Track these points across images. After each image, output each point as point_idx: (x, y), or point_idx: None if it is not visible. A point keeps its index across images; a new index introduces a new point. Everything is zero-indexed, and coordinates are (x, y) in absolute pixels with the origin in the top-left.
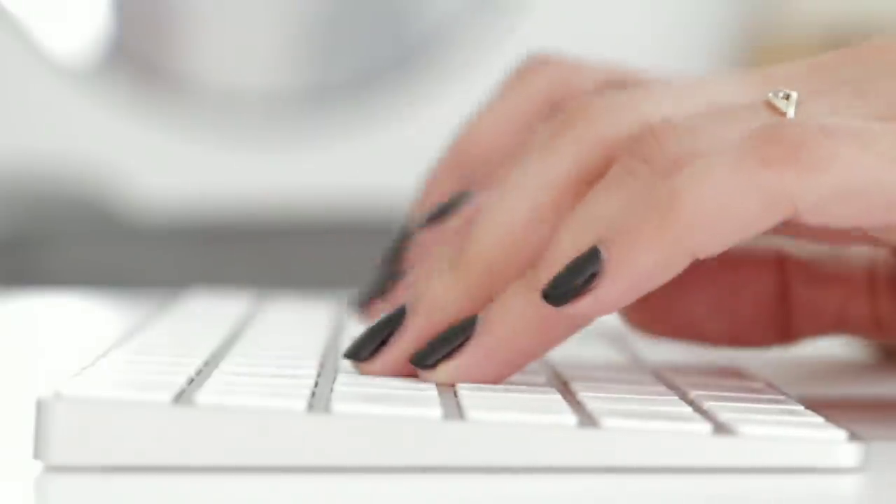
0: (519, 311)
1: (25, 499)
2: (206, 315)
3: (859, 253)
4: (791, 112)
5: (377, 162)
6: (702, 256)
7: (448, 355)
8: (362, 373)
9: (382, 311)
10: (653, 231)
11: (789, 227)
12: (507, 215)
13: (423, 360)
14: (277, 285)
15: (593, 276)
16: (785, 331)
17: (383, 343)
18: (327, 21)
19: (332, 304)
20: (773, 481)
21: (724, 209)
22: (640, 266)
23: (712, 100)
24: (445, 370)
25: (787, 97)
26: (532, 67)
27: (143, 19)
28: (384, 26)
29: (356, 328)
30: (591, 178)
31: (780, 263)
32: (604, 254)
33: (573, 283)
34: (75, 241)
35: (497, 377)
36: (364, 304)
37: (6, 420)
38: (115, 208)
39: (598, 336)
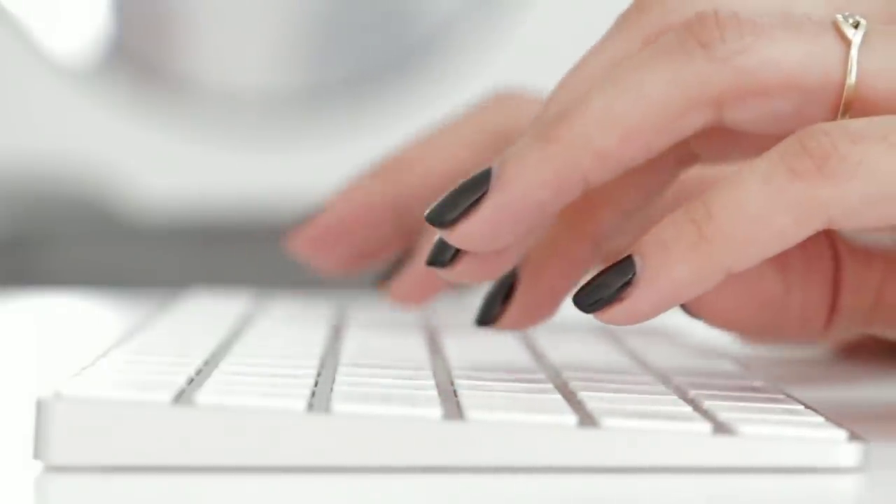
0: (534, 165)
1: (25, 499)
2: (206, 315)
3: None
4: (858, 39)
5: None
6: (736, 271)
7: (464, 213)
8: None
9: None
10: (688, 246)
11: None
12: (627, 107)
13: (441, 217)
14: (277, 285)
15: (626, 285)
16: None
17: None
18: (326, 21)
19: (332, 304)
20: (773, 481)
21: (758, 226)
22: (674, 279)
23: (787, 8)
24: (464, 228)
25: (857, 25)
26: (492, 102)
27: (143, 19)
28: (383, 26)
29: (355, 328)
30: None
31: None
32: (638, 264)
33: (606, 290)
34: (75, 241)
35: (512, 234)
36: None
37: (6, 420)
38: (115, 208)
39: (598, 336)
